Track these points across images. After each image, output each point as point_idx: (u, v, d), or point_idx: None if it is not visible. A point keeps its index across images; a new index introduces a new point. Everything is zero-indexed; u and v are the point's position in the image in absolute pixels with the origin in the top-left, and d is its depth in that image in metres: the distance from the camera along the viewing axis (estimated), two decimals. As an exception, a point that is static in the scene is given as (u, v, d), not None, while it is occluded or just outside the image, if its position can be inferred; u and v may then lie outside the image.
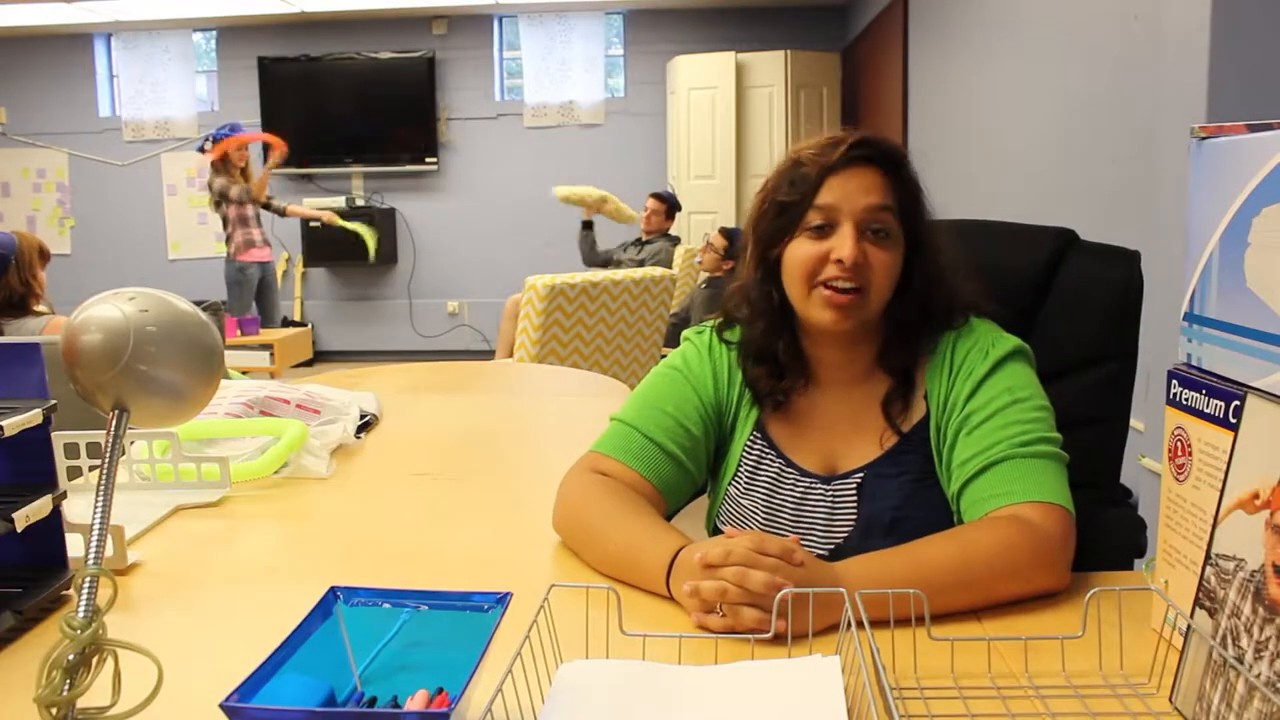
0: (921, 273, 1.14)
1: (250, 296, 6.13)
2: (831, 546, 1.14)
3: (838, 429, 1.18)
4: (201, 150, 6.11)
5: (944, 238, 1.17)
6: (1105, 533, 1.21)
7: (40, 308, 2.97)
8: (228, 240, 6.08)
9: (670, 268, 5.52)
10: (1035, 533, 0.99)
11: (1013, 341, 1.15)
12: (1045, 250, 1.33)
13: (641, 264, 5.55)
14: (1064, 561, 1.01)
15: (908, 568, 0.95)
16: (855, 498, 1.15)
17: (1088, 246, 1.35)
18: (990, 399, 1.11)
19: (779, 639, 0.87)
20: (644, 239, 5.96)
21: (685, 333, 1.28)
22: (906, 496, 1.13)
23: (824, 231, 1.11)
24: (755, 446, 1.21)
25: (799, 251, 1.12)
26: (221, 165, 5.96)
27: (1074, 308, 1.31)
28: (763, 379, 1.19)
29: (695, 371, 1.22)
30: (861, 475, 1.15)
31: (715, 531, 1.27)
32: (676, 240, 6.04)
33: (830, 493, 1.16)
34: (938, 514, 1.12)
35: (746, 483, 1.20)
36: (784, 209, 1.13)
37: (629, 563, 1.03)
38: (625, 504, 1.10)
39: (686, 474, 1.19)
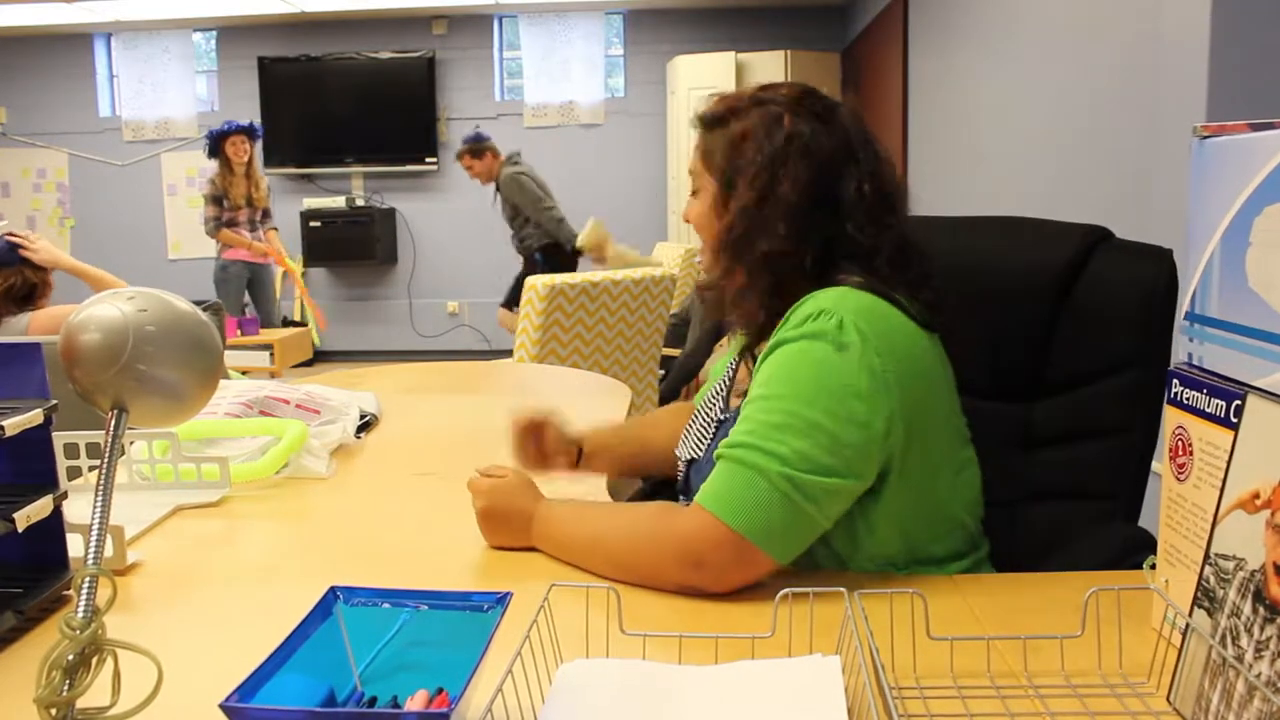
0: (733, 222, 1.10)
1: (238, 295, 6.04)
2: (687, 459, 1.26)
3: None
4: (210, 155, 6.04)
5: (796, 198, 1.07)
6: (1105, 547, 1.15)
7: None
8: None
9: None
10: (669, 530, 1.01)
11: (813, 326, 1.01)
12: (1070, 248, 1.25)
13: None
14: (687, 565, 0.98)
15: (578, 524, 1.11)
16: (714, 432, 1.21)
17: (1117, 244, 1.27)
18: (755, 383, 1.05)
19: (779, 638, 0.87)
20: None
21: None
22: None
23: None
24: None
25: None
26: (225, 167, 5.90)
27: (1099, 309, 1.23)
28: None
29: None
30: (731, 415, 1.18)
31: None
32: None
33: (712, 419, 1.23)
34: None
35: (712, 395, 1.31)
36: None
37: None
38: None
39: None
